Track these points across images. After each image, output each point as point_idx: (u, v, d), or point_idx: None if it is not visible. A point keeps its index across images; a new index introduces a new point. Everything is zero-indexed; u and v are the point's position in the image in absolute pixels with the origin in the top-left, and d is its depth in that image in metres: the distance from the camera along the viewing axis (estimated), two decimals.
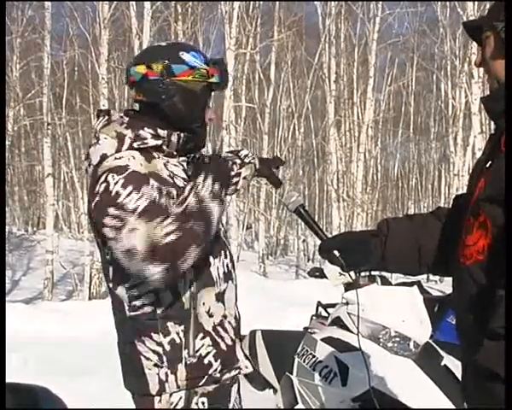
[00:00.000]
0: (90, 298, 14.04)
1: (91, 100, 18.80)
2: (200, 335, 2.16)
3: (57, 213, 19.04)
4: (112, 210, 2.01)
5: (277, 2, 20.23)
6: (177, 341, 2.14)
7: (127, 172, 2.05)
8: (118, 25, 18.04)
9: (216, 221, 2.07)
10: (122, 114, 2.24)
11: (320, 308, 4.56)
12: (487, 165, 1.83)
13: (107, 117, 2.22)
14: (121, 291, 2.16)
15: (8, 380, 2.54)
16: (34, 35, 18.35)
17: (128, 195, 2.01)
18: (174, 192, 2.10)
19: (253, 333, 4.60)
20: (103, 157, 2.11)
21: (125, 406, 2.25)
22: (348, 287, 3.90)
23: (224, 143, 15.88)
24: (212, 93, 2.31)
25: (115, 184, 2.02)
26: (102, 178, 2.05)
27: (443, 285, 13.24)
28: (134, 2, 14.86)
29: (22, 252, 21.08)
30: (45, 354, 7.06)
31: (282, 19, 20.36)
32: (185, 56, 2.19)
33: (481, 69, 1.94)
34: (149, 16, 14.61)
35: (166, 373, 2.13)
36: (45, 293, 14.07)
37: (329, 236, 2.29)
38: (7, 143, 16.31)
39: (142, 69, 2.20)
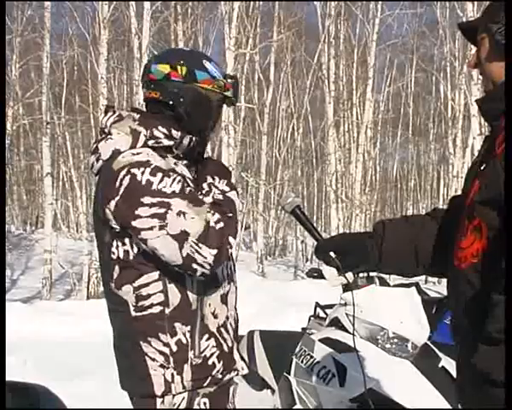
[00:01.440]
0: (88, 298, 14.04)
1: (90, 99, 18.79)
2: (206, 336, 2.16)
3: (56, 213, 19.03)
4: (147, 199, 2.00)
5: (277, 3, 20.25)
6: (184, 341, 2.13)
7: (151, 166, 2.05)
8: (117, 25, 18.04)
9: (238, 210, 2.15)
10: (130, 112, 2.23)
11: (318, 309, 4.56)
12: (482, 167, 1.81)
13: (118, 113, 2.21)
14: (127, 291, 2.13)
15: (7, 379, 2.53)
16: (34, 34, 18.35)
17: (161, 181, 2.02)
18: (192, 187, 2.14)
19: (251, 334, 4.60)
20: (116, 152, 2.10)
21: (125, 406, 2.24)
22: (346, 288, 3.89)
23: (223, 143, 15.89)
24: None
25: (142, 174, 2.02)
26: (123, 173, 2.04)
27: (441, 287, 13.21)
28: (133, 3, 14.86)
29: (21, 251, 21.07)
30: (43, 353, 7.06)
31: (282, 19, 20.37)
32: (208, 65, 2.23)
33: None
34: (149, 16, 14.62)
35: (172, 374, 2.12)
36: (43, 292, 14.07)
37: (327, 237, 2.29)
38: (6, 142, 16.30)
39: (165, 68, 2.20)
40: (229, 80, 2.26)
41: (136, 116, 2.19)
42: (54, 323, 8.79)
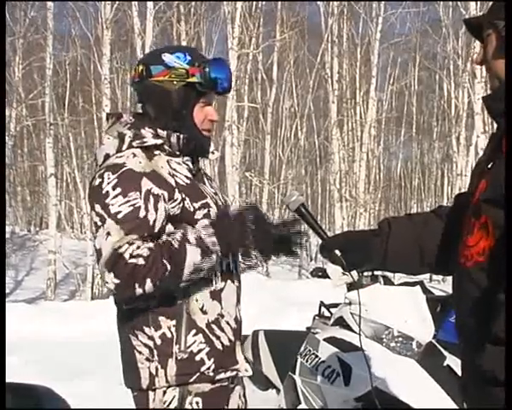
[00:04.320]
0: (92, 298, 14.06)
1: (94, 100, 18.83)
2: (193, 331, 2.15)
3: (60, 214, 19.05)
4: (98, 207, 2.08)
5: (280, 2, 20.23)
6: (169, 335, 2.13)
7: (121, 171, 2.09)
8: (120, 25, 18.05)
9: (190, 271, 2.03)
10: (131, 116, 2.26)
11: (323, 308, 4.55)
12: (489, 166, 1.80)
13: (113, 119, 2.26)
14: None
15: (8, 380, 2.53)
16: (36, 35, 18.39)
17: (114, 196, 2.07)
18: (166, 194, 2.11)
19: (255, 333, 4.59)
20: (106, 157, 2.18)
21: (126, 405, 2.24)
22: (351, 287, 3.87)
23: (227, 142, 15.88)
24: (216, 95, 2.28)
25: (108, 183, 2.08)
26: (99, 174, 2.13)
27: (446, 285, 13.21)
28: (136, 3, 14.87)
29: (25, 252, 21.09)
30: (47, 353, 7.07)
31: (285, 19, 20.36)
32: (166, 57, 2.20)
33: (484, 68, 1.91)
34: (152, 16, 14.63)
35: (157, 368, 2.13)
36: (48, 293, 14.12)
37: (331, 235, 2.28)
38: (10, 143, 16.34)
39: (133, 72, 2.28)
40: (197, 66, 2.18)
41: (130, 120, 2.23)
42: (57, 323, 8.81)
